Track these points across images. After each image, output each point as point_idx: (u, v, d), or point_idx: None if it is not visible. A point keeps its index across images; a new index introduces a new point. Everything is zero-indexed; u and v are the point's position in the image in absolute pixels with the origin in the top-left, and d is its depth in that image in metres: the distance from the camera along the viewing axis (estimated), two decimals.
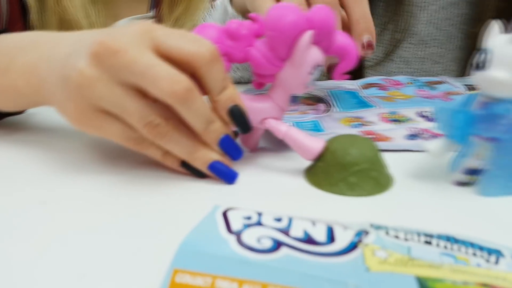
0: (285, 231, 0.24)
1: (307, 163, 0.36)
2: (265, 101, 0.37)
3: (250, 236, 0.23)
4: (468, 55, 0.68)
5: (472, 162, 0.33)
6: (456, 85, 0.57)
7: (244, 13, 0.56)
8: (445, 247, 0.23)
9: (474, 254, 0.23)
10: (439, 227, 0.25)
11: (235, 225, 0.24)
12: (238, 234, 0.23)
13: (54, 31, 0.39)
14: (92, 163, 0.38)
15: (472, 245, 0.23)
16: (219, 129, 0.34)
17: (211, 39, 0.34)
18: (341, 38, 0.39)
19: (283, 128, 0.36)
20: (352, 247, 0.23)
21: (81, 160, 0.39)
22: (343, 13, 0.46)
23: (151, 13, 0.83)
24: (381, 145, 0.40)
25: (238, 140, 0.37)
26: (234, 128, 0.35)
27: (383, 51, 0.68)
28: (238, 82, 0.62)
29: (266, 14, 0.35)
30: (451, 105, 0.36)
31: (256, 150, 0.40)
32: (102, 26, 0.77)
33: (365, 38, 0.45)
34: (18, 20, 0.62)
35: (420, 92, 0.55)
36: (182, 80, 0.31)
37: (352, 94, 0.55)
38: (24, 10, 0.62)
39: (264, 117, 0.37)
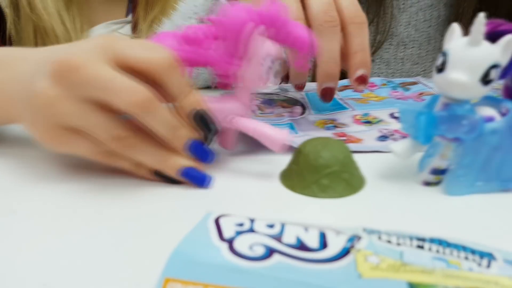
0: (278, 238, 0.24)
1: (283, 166, 0.36)
2: (230, 101, 0.37)
3: (242, 244, 0.23)
4: None
5: (438, 162, 0.33)
6: (429, 85, 0.57)
7: None
8: (437, 251, 0.23)
9: (466, 258, 0.23)
10: (406, 226, 0.26)
11: (227, 232, 0.24)
12: (230, 242, 0.23)
13: (30, 39, 0.39)
14: (79, 172, 0.37)
15: (464, 248, 0.24)
16: (185, 135, 0.34)
17: (171, 46, 0.34)
18: (297, 29, 0.39)
19: (250, 125, 0.36)
20: (345, 253, 0.23)
21: (66, 169, 0.38)
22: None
23: (128, 18, 0.82)
24: (352, 146, 0.40)
25: (216, 142, 0.38)
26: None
27: None
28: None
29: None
30: (415, 106, 0.37)
31: (234, 148, 0.40)
32: (77, 32, 0.76)
33: (360, 72, 0.43)
34: None
35: (394, 93, 0.56)
36: (139, 91, 0.31)
37: None
38: (2, 19, 0.61)
39: (231, 116, 0.37)
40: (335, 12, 0.41)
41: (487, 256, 0.23)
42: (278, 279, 0.21)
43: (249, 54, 0.35)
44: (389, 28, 0.67)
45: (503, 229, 0.30)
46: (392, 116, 0.48)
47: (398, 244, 0.24)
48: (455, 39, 0.32)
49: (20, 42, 0.67)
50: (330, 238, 0.24)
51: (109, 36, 0.34)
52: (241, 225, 0.25)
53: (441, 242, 0.24)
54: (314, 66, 0.45)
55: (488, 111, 0.32)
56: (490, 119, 0.32)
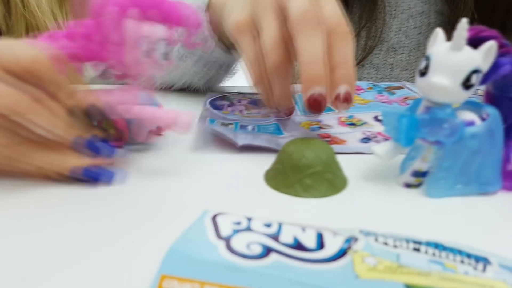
0: (275, 237, 0.24)
1: (267, 165, 0.37)
2: (122, 91, 0.36)
3: (240, 242, 0.23)
4: None
5: (419, 165, 0.34)
6: (414, 90, 0.58)
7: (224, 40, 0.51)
8: (434, 254, 0.23)
9: (462, 262, 0.23)
10: (387, 227, 0.26)
11: (224, 230, 0.24)
12: (227, 240, 0.23)
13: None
14: None
15: (460, 252, 0.24)
16: (70, 133, 0.34)
17: (54, 45, 0.34)
18: (178, 7, 0.38)
19: (147, 111, 0.36)
20: (342, 253, 0.23)
21: None
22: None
23: None
24: (336, 148, 0.41)
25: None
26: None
27: (357, 57, 0.69)
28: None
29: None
30: (397, 109, 0.37)
31: (148, 141, 0.40)
32: None
33: (341, 89, 0.37)
34: None
35: (380, 97, 0.56)
36: (5, 95, 0.30)
37: None
38: None
39: (126, 106, 0.36)
40: (314, 12, 0.37)
41: (483, 261, 0.23)
42: (275, 278, 0.21)
43: (125, 39, 0.35)
44: (380, 34, 0.68)
45: (480, 231, 0.30)
46: (376, 119, 0.49)
47: (395, 246, 0.24)
48: (438, 43, 0.32)
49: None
50: (327, 239, 0.24)
51: None
52: (238, 223, 0.25)
53: (437, 246, 0.24)
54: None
55: (468, 115, 0.33)
56: (470, 123, 0.32)
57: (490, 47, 0.31)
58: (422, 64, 0.32)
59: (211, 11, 0.49)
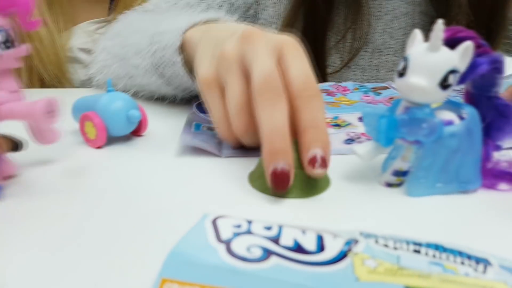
0: (275, 240, 0.23)
1: (251, 168, 0.37)
2: None
3: (240, 245, 0.23)
4: None
5: (399, 164, 0.34)
6: None
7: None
8: (434, 256, 0.23)
9: (462, 263, 0.23)
10: (368, 226, 0.26)
11: (225, 233, 0.24)
12: (227, 243, 0.23)
13: None
14: (77, 174, 0.37)
15: (460, 254, 0.24)
16: None
17: None
18: None
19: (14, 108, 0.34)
20: (342, 256, 0.23)
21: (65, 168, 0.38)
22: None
23: (109, 17, 0.82)
24: None
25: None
26: None
27: (343, 59, 0.69)
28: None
29: None
30: (377, 110, 0.38)
31: (53, 142, 0.38)
32: (61, 32, 0.75)
33: (312, 152, 0.32)
34: None
35: (365, 97, 0.57)
36: None
37: None
38: None
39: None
40: (276, 79, 0.34)
41: (483, 262, 0.23)
42: (276, 281, 0.21)
43: None
44: (365, 36, 0.68)
45: (461, 229, 0.30)
46: (360, 119, 0.49)
47: (395, 248, 0.24)
48: (416, 44, 0.32)
49: None
50: (328, 241, 0.24)
51: None
52: (238, 226, 0.24)
53: (437, 247, 0.24)
54: None
55: (447, 115, 0.33)
56: (449, 123, 0.32)
57: (466, 47, 0.31)
58: (401, 65, 0.32)
59: (187, 49, 0.47)
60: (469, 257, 0.23)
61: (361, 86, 0.61)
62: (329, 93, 0.59)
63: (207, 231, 0.24)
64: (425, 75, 0.31)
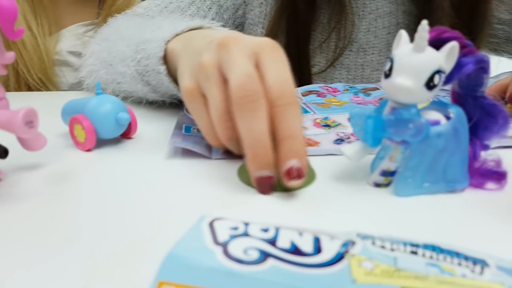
0: (272, 242, 0.23)
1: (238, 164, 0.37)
2: None
3: (237, 247, 0.22)
4: None
5: (387, 164, 0.34)
6: None
7: None
8: (431, 257, 0.23)
9: (460, 264, 0.23)
10: (357, 226, 0.26)
11: (222, 236, 0.23)
12: (224, 245, 0.22)
13: None
14: (76, 177, 0.38)
15: (457, 255, 0.23)
16: None
17: None
18: None
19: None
20: (339, 258, 0.22)
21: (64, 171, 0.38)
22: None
23: (98, 20, 0.81)
24: (309, 150, 0.41)
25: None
26: None
27: (328, 58, 0.69)
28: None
29: None
30: (365, 110, 0.38)
31: (40, 149, 0.38)
32: (45, 36, 0.74)
33: (288, 164, 0.33)
34: None
35: (355, 98, 0.57)
36: None
37: None
38: None
39: None
40: (255, 84, 0.33)
41: (480, 263, 0.23)
42: (272, 284, 0.21)
43: None
44: (350, 35, 0.68)
45: (449, 228, 0.30)
46: (350, 120, 0.50)
47: (392, 249, 0.23)
48: (401, 45, 0.32)
49: None
50: (325, 243, 0.23)
51: None
52: (235, 228, 0.24)
53: (434, 248, 0.24)
54: None
55: (434, 115, 0.33)
56: (435, 123, 0.32)
57: (452, 48, 0.31)
58: (386, 66, 0.32)
59: (170, 59, 0.47)
60: (466, 258, 0.23)
61: (351, 87, 0.61)
62: (319, 94, 0.59)
63: (204, 233, 0.24)
64: (410, 76, 0.31)
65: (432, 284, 0.21)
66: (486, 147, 0.35)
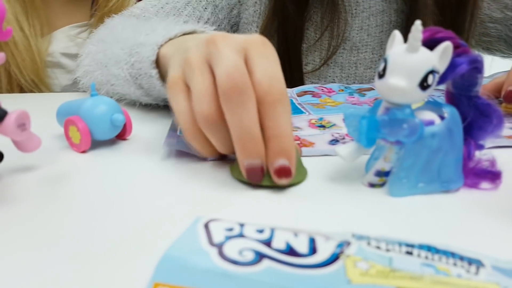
0: (267, 243, 0.23)
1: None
2: None
3: (232, 248, 0.22)
4: None
5: (381, 165, 0.34)
6: None
7: None
8: (426, 257, 0.23)
9: (455, 264, 0.23)
10: (351, 226, 0.26)
11: (217, 237, 0.23)
12: (219, 247, 0.22)
13: None
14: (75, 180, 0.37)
15: (452, 255, 0.23)
16: None
17: None
18: None
19: None
20: (334, 258, 0.22)
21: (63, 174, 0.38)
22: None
23: (91, 21, 0.81)
24: (304, 151, 0.41)
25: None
26: None
27: (322, 57, 0.70)
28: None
29: None
30: (359, 111, 0.38)
31: (34, 150, 0.37)
32: (38, 37, 0.74)
33: (277, 163, 0.33)
34: None
35: (350, 98, 0.57)
36: None
37: None
38: None
39: None
40: (243, 76, 0.33)
41: (476, 263, 0.23)
42: (268, 285, 0.21)
43: None
44: (343, 33, 0.68)
45: (443, 228, 0.30)
46: (344, 120, 0.50)
47: (387, 250, 0.23)
48: (395, 45, 0.32)
49: None
50: (320, 244, 0.23)
51: None
52: (230, 230, 0.24)
53: (429, 249, 0.24)
54: None
55: (428, 115, 0.33)
56: (430, 123, 0.32)
57: (445, 48, 0.31)
58: (380, 66, 0.32)
59: (162, 63, 0.47)
60: (462, 258, 0.23)
61: (346, 88, 0.61)
62: (314, 94, 0.59)
63: (199, 234, 0.24)
64: (404, 76, 0.31)
65: (428, 285, 0.21)
66: (480, 147, 0.35)
